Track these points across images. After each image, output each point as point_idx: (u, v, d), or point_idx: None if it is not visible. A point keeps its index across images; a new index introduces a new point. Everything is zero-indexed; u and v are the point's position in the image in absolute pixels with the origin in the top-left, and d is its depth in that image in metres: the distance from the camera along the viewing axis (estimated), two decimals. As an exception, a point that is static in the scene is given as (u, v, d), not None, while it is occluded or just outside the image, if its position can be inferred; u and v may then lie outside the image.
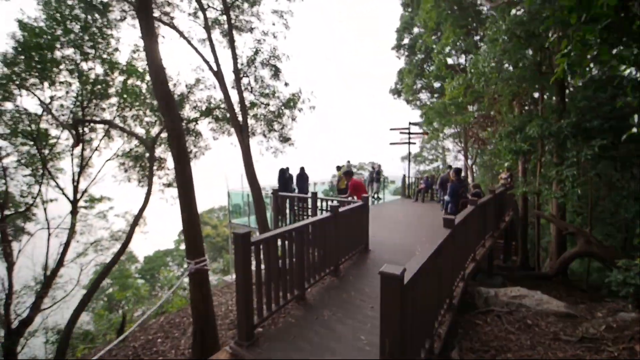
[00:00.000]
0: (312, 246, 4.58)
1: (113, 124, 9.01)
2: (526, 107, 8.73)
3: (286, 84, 9.90)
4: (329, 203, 7.66)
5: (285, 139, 10.94)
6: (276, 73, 9.37)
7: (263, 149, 10.72)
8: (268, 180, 10.99)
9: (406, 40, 19.80)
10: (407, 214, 11.29)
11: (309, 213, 7.64)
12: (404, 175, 15.76)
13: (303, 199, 7.92)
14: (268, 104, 10.26)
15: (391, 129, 15.33)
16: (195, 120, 10.46)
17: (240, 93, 8.53)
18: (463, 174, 25.36)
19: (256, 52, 9.08)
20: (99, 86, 9.92)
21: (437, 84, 20.05)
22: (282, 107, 10.25)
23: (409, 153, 15.44)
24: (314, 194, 7.41)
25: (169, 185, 10.72)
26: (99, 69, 10.28)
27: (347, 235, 5.65)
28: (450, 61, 21.22)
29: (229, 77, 8.78)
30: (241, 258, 3.26)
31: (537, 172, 7.34)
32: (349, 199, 7.79)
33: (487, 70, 6.86)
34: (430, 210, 12.10)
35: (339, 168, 12.00)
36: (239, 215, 12.66)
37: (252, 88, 9.60)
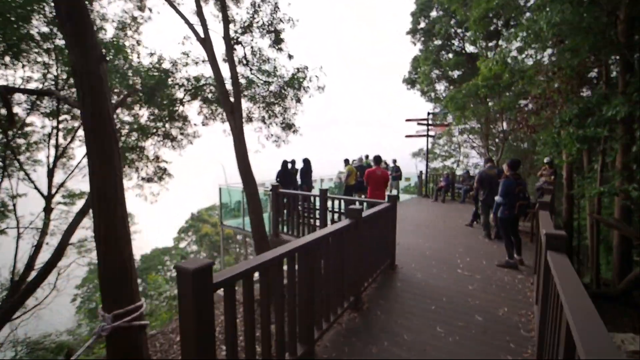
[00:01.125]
0: (325, 269, 3.10)
1: (58, 95, 7.24)
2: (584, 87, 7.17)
3: (290, 57, 8.25)
4: (343, 204, 6.17)
5: (288, 126, 9.35)
6: (278, 40, 7.69)
7: (262, 137, 9.20)
8: (271, 176, 9.50)
9: (422, 25, 18.13)
10: (430, 215, 9.76)
11: (317, 215, 6.15)
12: (421, 172, 14.19)
13: (309, 198, 6.42)
14: (268, 83, 8.72)
15: (407, 120, 13.78)
16: (180, 101, 8.93)
17: (232, 65, 6.92)
18: (477, 170, 23.69)
19: (255, 13, 7.44)
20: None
21: (456, 73, 18.43)
22: (285, 86, 8.69)
23: (427, 147, 13.89)
24: (324, 192, 5.92)
25: (149, 179, 9.26)
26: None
27: (371, 250, 4.15)
28: (470, 49, 19.55)
29: (220, 50, 7.21)
30: (192, 317, 1.63)
31: (611, 167, 5.83)
32: (359, 197, 6.29)
33: (547, 30, 5.23)
34: (455, 211, 10.53)
35: (347, 162, 10.41)
36: (237, 214, 11.13)
37: (247, 61, 8.01)
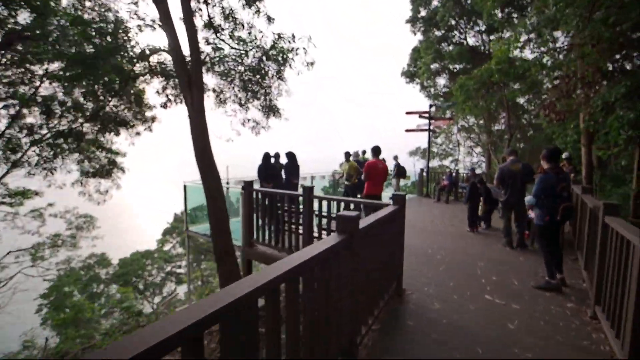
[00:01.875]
0: (303, 313, 1.81)
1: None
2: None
3: (269, 19, 6.66)
4: (334, 206, 4.83)
5: (270, 109, 7.80)
6: (252, -3, 6.14)
7: (238, 122, 7.71)
8: (250, 172, 8.15)
9: (423, 13, 16.92)
10: (435, 218, 8.52)
11: (301, 221, 4.84)
12: (422, 170, 12.96)
13: (294, 199, 5.07)
14: (242, 54, 7.08)
15: (408, 113, 12.53)
16: (130, 75, 7.05)
17: (189, 25, 5.50)
18: (481, 170, 22.61)
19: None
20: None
21: (458, 66, 17.25)
22: (265, 59, 7.14)
23: (429, 142, 12.65)
24: (308, 190, 4.60)
25: (95, 174, 7.74)
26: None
27: (371, 274, 2.86)
28: (471, 42, 18.40)
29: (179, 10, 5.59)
30: None
31: None
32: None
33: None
34: (462, 213, 9.25)
35: (348, 155, 8.92)
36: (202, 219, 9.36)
37: (215, 25, 6.45)
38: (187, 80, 5.34)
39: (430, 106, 12.26)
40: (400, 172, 11.74)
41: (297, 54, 6.87)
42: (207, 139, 5.61)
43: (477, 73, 8.90)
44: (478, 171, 18.73)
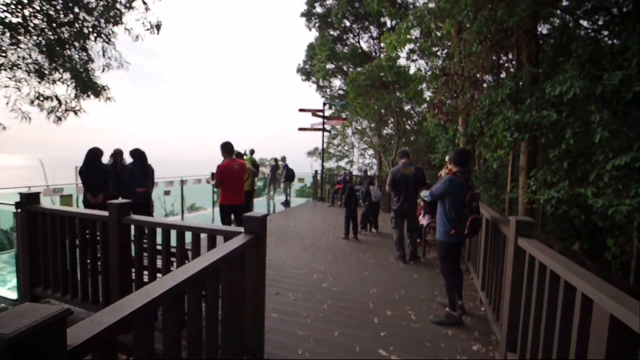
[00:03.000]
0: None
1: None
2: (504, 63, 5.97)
3: None
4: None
5: (83, 84, 5.18)
6: None
7: (22, 99, 4.97)
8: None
9: (319, 9, 16.37)
10: (326, 225, 7.60)
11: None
12: (316, 172, 12.18)
13: (93, 221, 3.11)
14: None
15: (301, 110, 11.56)
16: None
17: None
18: (373, 171, 23.62)
19: None
20: None
21: (352, 69, 17.30)
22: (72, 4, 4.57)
23: (322, 142, 11.95)
24: (117, 207, 2.81)
25: None
26: None
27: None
28: (365, 46, 18.81)
29: None
30: None
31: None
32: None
33: None
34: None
35: (240, 156, 7.08)
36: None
37: None
38: None
39: (324, 104, 11.55)
40: (290, 175, 10.64)
41: (130, 7, 4.83)
42: None
43: (368, 68, 8.49)
44: (370, 173, 19.34)
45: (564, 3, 7.59)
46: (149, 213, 5.87)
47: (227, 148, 4.82)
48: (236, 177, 4.85)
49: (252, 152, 9.93)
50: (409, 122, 19.59)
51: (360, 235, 6.88)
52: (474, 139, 6.15)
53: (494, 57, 5.26)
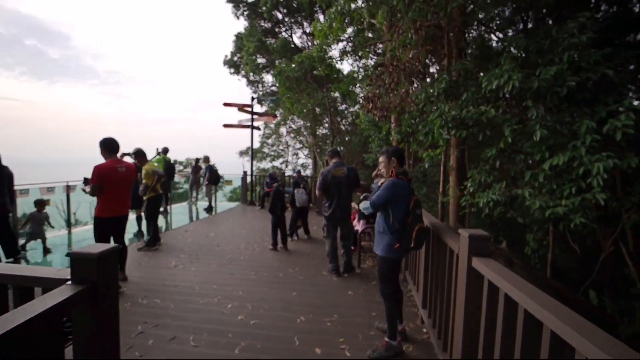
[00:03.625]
0: None
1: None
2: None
3: None
4: None
5: None
6: None
7: None
8: None
9: (247, -3, 15.21)
10: (251, 234, 6.69)
11: None
12: (245, 173, 11.12)
13: None
14: None
15: (226, 104, 10.37)
16: None
17: None
18: (308, 171, 23.15)
19: None
20: None
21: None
22: None
23: (252, 140, 10.90)
24: None
25: None
26: None
27: None
28: (298, 42, 18.13)
29: None
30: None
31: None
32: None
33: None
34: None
35: (140, 155, 5.82)
36: None
37: None
38: None
39: (252, 99, 10.55)
40: (214, 177, 9.47)
41: None
42: None
43: (298, 59, 7.81)
44: (305, 173, 18.80)
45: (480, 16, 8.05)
46: (6, 230, 4.37)
47: (108, 146, 3.68)
48: (121, 182, 3.72)
49: (165, 151, 8.52)
50: (344, 121, 19.56)
51: (290, 243, 6.16)
52: (407, 137, 5.93)
53: (429, 48, 5.00)
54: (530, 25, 7.47)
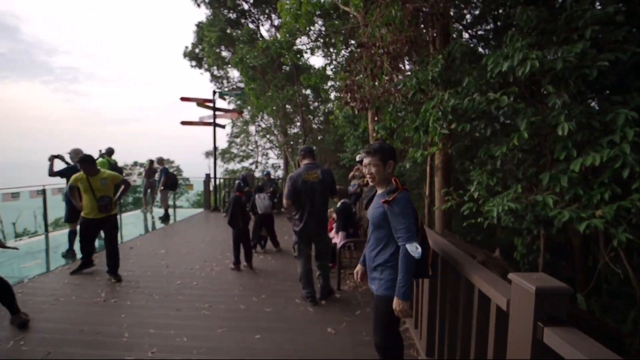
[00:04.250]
0: None
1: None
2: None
3: None
4: None
5: None
6: None
7: None
8: None
9: (207, -17, 13.92)
10: (213, 251, 5.68)
11: None
12: (207, 175, 9.98)
13: None
14: None
15: (183, 99, 9.17)
16: None
17: None
18: (279, 172, 22.11)
19: None
20: None
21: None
22: None
23: (214, 139, 9.73)
24: None
25: None
26: None
27: None
28: (266, 35, 17.05)
29: None
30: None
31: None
32: None
33: None
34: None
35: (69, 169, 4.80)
36: None
37: None
38: None
39: (214, 93, 9.43)
40: (171, 181, 8.29)
41: None
42: None
43: (262, 45, 6.84)
44: (276, 175, 17.80)
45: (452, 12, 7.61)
46: None
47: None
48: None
49: (109, 152, 7.28)
50: (316, 120, 18.74)
51: (257, 257, 5.23)
52: (392, 133, 5.21)
53: (412, 32, 4.26)
54: (501, 24, 7.06)
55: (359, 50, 4.71)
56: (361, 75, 4.67)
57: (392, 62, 4.32)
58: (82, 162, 4.16)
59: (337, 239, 4.52)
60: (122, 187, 4.50)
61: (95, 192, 4.14)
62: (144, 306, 3.55)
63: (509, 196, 2.89)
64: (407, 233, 1.78)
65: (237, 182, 5.68)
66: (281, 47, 6.49)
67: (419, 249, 1.76)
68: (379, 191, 1.99)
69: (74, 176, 4.21)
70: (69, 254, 5.52)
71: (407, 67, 4.89)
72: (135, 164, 22.96)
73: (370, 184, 2.02)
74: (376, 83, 4.52)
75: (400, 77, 4.23)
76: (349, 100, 4.75)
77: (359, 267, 2.25)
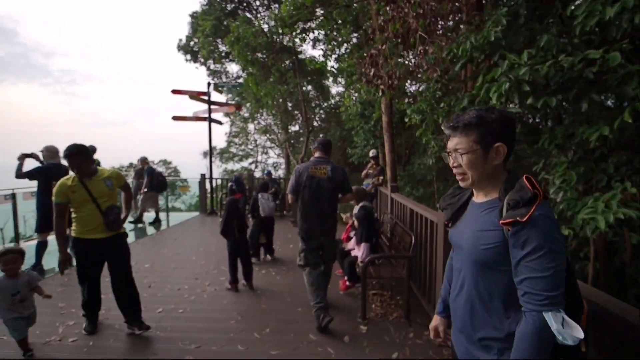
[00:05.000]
0: None
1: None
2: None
3: None
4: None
5: None
6: None
7: None
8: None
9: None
10: (207, 264, 4.82)
11: None
12: (202, 176, 9.11)
13: None
14: None
15: (174, 92, 8.30)
16: None
17: None
18: (280, 172, 21.24)
19: None
20: None
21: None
22: None
23: (210, 136, 8.83)
24: None
25: None
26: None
27: None
28: (265, 27, 16.14)
29: None
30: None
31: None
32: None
33: None
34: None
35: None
36: None
37: None
38: None
39: (209, 85, 8.55)
40: (159, 183, 7.43)
41: None
42: None
43: (261, 23, 5.99)
44: (277, 174, 16.93)
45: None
46: None
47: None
48: None
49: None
50: (317, 117, 17.86)
51: (257, 273, 4.36)
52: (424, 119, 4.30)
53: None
54: None
55: (387, 8, 3.78)
56: (388, 44, 3.73)
57: (430, 26, 3.41)
58: (73, 155, 2.56)
59: (358, 251, 3.65)
60: (124, 195, 3.08)
61: (99, 201, 2.70)
62: (109, 347, 2.68)
63: (616, 198, 2.04)
64: (552, 290, 0.88)
65: (229, 184, 4.81)
66: (284, 24, 5.64)
67: (578, 330, 0.87)
68: (479, 198, 1.12)
69: (57, 187, 2.64)
70: (37, 270, 4.64)
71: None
72: (131, 165, 22.15)
73: (461, 184, 1.14)
74: (410, 53, 3.64)
75: (430, 50, 3.32)
76: (372, 77, 3.84)
77: (438, 321, 1.37)
